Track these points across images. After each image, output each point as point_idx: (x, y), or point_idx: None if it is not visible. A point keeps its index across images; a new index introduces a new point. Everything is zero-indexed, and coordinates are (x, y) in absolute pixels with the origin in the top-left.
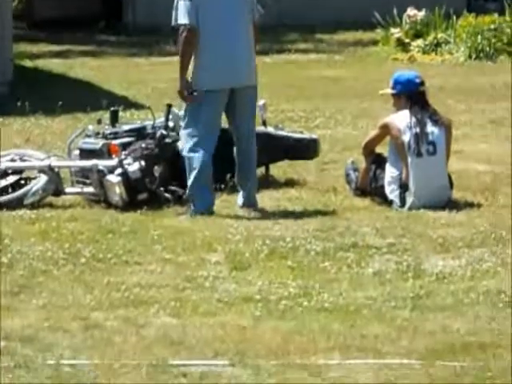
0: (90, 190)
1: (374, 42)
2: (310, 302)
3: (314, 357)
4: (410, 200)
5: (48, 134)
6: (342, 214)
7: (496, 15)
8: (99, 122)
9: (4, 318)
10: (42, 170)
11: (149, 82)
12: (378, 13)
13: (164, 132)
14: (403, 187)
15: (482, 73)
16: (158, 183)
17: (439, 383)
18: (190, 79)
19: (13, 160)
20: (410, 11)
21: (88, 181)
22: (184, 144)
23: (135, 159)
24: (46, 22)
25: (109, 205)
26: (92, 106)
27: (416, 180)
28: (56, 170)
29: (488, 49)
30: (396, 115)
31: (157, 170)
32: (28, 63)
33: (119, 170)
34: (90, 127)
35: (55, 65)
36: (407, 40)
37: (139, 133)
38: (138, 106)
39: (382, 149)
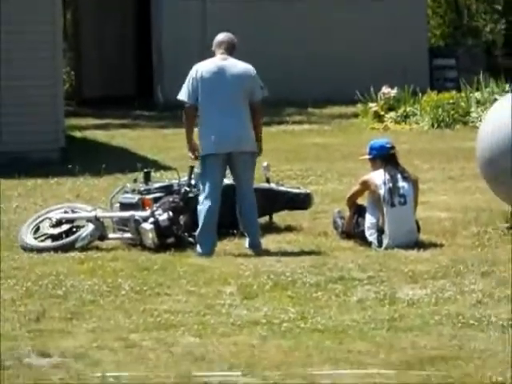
0: (129, 235)
1: (356, 115)
2: (306, 324)
3: (310, 368)
4: (385, 241)
5: (94, 191)
6: (331, 253)
7: (454, 92)
8: (135, 181)
9: (60, 340)
10: (89, 220)
11: (175, 149)
12: (359, 91)
13: (187, 188)
14: (380, 231)
15: (442, 139)
16: (183, 230)
17: None
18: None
19: (66, 212)
20: (385, 89)
21: (127, 228)
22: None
23: (164, 210)
24: (91, 101)
25: (143, 247)
26: (129, 168)
27: (390, 225)
28: (101, 219)
29: (447, 119)
30: (373, 174)
31: (182, 219)
32: (77, 134)
33: (151, 219)
34: (128, 185)
35: (99, 135)
36: (382, 113)
37: (167, 189)
38: (166, 168)
39: (362, 201)
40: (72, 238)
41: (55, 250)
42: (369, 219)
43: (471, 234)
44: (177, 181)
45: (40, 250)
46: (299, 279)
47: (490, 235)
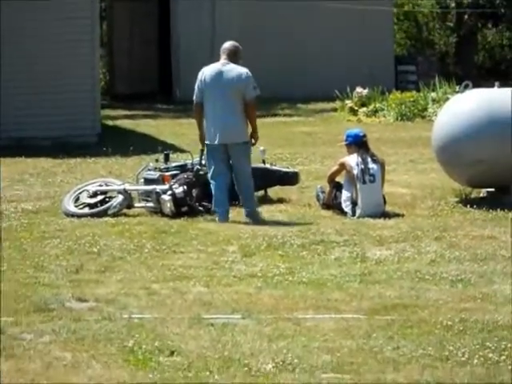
0: (151, 205)
1: (334, 109)
2: (293, 278)
3: (296, 313)
4: (358, 212)
5: (123, 168)
6: (314, 220)
7: (414, 92)
8: (156, 160)
9: (95, 288)
10: (119, 192)
11: (188, 135)
12: (337, 91)
13: (199, 167)
14: (354, 203)
15: (404, 129)
16: (195, 200)
17: (377, 329)
18: None
19: (100, 185)
20: (358, 89)
21: (149, 199)
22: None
23: (180, 185)
24: (122, 96)
25: (163, 214)
26: (152, 150)
27: (362, 199)
28: (129, 192)
29: (409, 114)
30: (349, 157)
31: (194, 192)
32: (110, 122)
33: (170, 192)
34: (151, 164)
35: (128, 124)
36: (356, 108)
37: (183, 168)
38: (181, 151)
39: (340, 178)
40: (105, 206)
41: (91, 216)
42: (345, 194)
43: (427, 207)
44: (190, 161)
45: (79, 216)
46: (288, 241)
47: (443, 207)
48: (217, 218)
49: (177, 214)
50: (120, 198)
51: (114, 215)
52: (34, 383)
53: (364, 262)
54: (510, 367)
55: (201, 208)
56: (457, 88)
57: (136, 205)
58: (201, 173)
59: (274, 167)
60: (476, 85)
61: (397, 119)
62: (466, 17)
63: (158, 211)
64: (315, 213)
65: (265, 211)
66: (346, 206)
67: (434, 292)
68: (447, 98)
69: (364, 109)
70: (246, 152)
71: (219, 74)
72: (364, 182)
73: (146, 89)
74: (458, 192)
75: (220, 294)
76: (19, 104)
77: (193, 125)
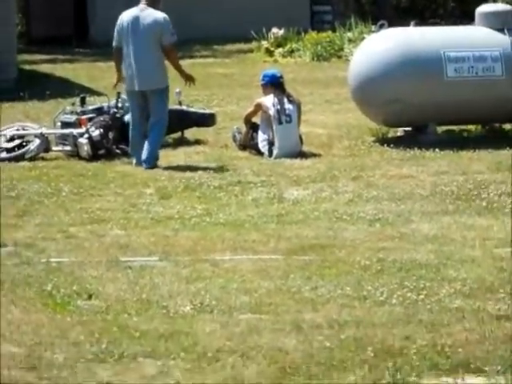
0: (68, 148)
1: (251, 51)
2: (210, 219)
3: (213, 254)
4: (275, 152)
5: (40, 112)
6: (231, 161)
7: (330, 32)
8: (73, 104)
9: (13, 232)
10: (36, 136)
11: (106, 79)
12: (253, 31)
13: (115, 110)
14: (270, 144)
15: (320, 69)
16: (111, 143)
17: (294, 270)
18: None
19: (17, 130)
20: (274, 30)
21: (66, 142)
22: None
23: (97, 128)
24: (38, 39)
25: (80, 158)
26: (69, 94)
27: (279, 139)
28: (46, 135)
29: (325, 54)
30: (265, 98)
31: (111, 135)
32: (26, 67)
33: (86, 135)
34: (68, 107)
35: (45, 68)
36: (272, 49)
37: (99, 111)
38: (98, 94)
39: (256, 119)
40: (22, 150)
41: (9, 160)
42: (261, 134)
43: (344, 147)
44: (107, 104)
45: None
46: (205, 183)
47: (359, 147)
48: (133, 162)
49: (94, 157)
50: (37, 141)
51: (32, 159)
52: None
53: (281, 202)
54: (428, 306)
55: (118, 151)
56: (372, 28)
57: (53, 148)
58: (117, 116)
59: (191, 109)
60: (392, 24)
61: (313, 59)
62: None
63: (76, 154)
64: (232, 154)
65: (181, 153)
66: (263, 147)
67: (352, 232)
68: (363, 38)
69: (280, 49)
70: (162, 98)
71: (136, 19)
72: (280, 123)
73: (63, 32)
74: (375, 131)
75: (137, 236)
76: None
77: (110, 68)
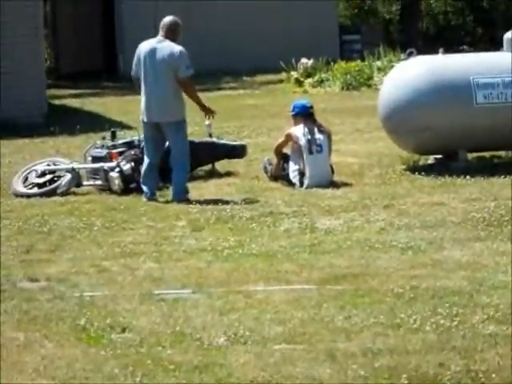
0: (99, 182)
1: (280, 81)
2: (243, 250)
3: (247, 285)
4: (306, 182)
5: (71, 147)
6: (263, 192)
7: (359, 61)
8: (103, 138)
9: (46, 267)
10: (67, 171)
11: (135, 112)
12: (282, 62)
13: None
14: (301, 174)
15: (350, 99)
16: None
17: (328, 299)
18: None
19: (48, 165)
20: (303, 60)
21: (98, 177)
22: None
23: (127, 162)
24: (68, 75)
25: (111, 192)
26: (99, 128)
27: (310, 169)
28: (77, 170)
29: (354, 83)
30: (295, 128)
31: (141, 168)
32: (56, 102)
33: (117, 169)
34: (98, 142)
35: (74, 102)
36: (302, 79)
37: (129, 145)
38: (128, 128)
39: (287, 150)
40: (54, 185)
41: (41, 195)
42: (292, 165)
43: (375, 175)
44: (137, 137)
45: (28, 196)
46: (237, 214)
47: (391, 175)
48: (143, 196)
49: (125, 191)
50: (68, 176)
51: (63, 194)
52: None
53: (313, 232)
54: (461, 333)
55: None
56: (401, 56)
57: (84, 183)
58: None
59: (221, 141)
60: (420, 52)
61: (342, 89)
62: None
63: (107, 189)
64: (263, 185)
65: (212, 185)
66: (294, 177)
67: (384, 260)
68: (392, 66)
69: (310, 79)
70: (178, 131)
71: (153, 51)
72: (311, 153)
73: (92, 67)
74: (406, 159)
75: (170, 269)
76: None
77: (139, 101)
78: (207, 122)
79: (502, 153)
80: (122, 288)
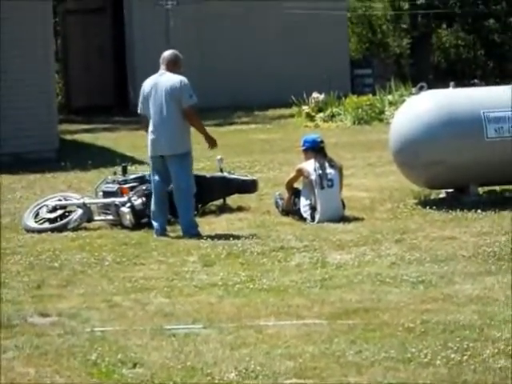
0: (111, 217)
1: (292, 116)
2: (254, 285)
3: (258, 320)
4: (317, 217)
5: (82, 182)
6: (274, 227)
7: (370, 95)
8: (115, 173)
9: (57, 303)
10: (79, 206)
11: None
12: (294, 96)
13: None
14: (313, 209)
15: (362, 133)
16: None
17: (339, 334)
18: None
19: (60, 200)
20: (314, 95)
21: (109, 212)
22: None
23: (139, 197)
24: (79, 110)
25: (123, 227)
26: (110, 163)
27: (321, 204)
28: (88, 205)
29: (366, 117)
30: (306, 163)
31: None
32: (68, 137)
33: (129, 204)
34: (109, 177)
35: (86, 137)
36: (313, 113)
37: (141, 179)
38: (140, 162)
39: (298, 185)
40: (65, 220)
41: (52, 230)
42: (303, 199)
43: (386, 209)
44: (148, 173)
45: (39, 231)
46: (248, 249)
47: (402, 210)
48: (154, 233)
49: (136, 226)
50: (79, 211)
51: (74, 229)
52: None
53: (324, 266)
54: (472, 367)
55: None
56: (412, 90)
57: (96, 218)
58: None
59: (232, 175)
60: (432, 86)
61: (354, 123)
62: (419, 18)
63: (118, 223)
64: (275, 220)
65: (224, 220)
66: (305, 212)
67: (395, 294)
68: (403, 100)
69: (321, 114)
70: (183, 164)
71: (155, 85)
72: (322, 188)
73: (103, 102)
74: (417, 194)
75: (181, 304)
76: None
77: None
78: (218, 157)
79: None
80: (133, 323)
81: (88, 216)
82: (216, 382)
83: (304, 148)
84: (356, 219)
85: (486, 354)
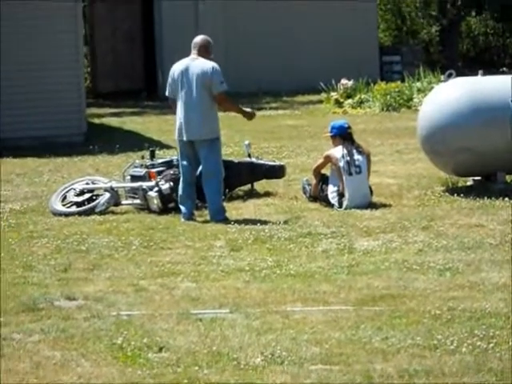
0: (138, 202)
1: (320, 102)
2: (281, 271)
3: (284, 306)
4: (345, 203)
5: (110, 166)
6: (301, 213)
7: (399, 82)
8: (142, 157)
9: (83, 286)
10: (106, 190)
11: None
12: (322, 82)
13: None
14: (340, 195)
15: (390, 120)
16: None
17: (365, 320)
18: None
19: (87, 183)
20: (343, 81)
21: (136, 196)
22: None
23: (166, 181)
24: (106, 94)
25: (150, 211)
26: (138, 147)
27: (348, 190)
28: (115, 189)
29: (394, 104)
30: (334, 149)
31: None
32: (96, 121)
33: (156, 188)
34: (137, 161)
35: (114, 122)
36: (342, 100)
37: (169, 164)
38: (167, 147)
39: (326, 171)
40: (92, 204)
41: (79, 214)
42: (331, 186)
43: (414, 196)
44: (176, 157)
45: (67, 215)
46: (275, 234)
47: (429, 197)
48: (181, 217)
49: (164, 210)
50: (107, 195)
51: (101, 213)
52: (23, 383)
53: (351, 253)
54: (498, 354)
55: None
56: (441, 77)
57: (123, 202)
58: None
59: (260, 161)
60: (460, 73)
61: (382, 110)
62: (448, 5)
63: (145, 208)
64: (302, 205)
65: (251, 205)
66: (333, 198)
67: (422, 281)
68: (432, 88)
69: (349, 100)
70: (212, 149)
71: (186, 70)
72: (350, 174)
73: (131, 86)
74: (445, 181)
75: (208, 288)
76: (4, 105)
77: None
78: (247, 142)
79: None
80: (160, 307)
81: (115, 200)
82: (242, 367)
83: (332, 134)
84: (383, 206)
85: None
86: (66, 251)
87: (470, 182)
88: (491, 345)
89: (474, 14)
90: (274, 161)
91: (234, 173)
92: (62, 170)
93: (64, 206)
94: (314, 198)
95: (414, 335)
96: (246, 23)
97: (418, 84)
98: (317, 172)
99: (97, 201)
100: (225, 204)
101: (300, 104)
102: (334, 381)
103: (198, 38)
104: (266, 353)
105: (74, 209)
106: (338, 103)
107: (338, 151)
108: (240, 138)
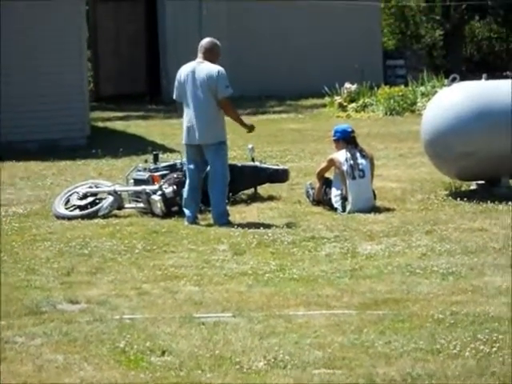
0: (141, 205)
1: (324, 106)
2: (284, 275)
3: (287, 310)
4: (348, 207)
5: (113, 169)
6: (304, 217)
7: (403, 86)
8: (146, 161)
9: (86, 290)
10: (109, 193)
11: (179, 135)
12: (326, 86)
13: None
14: (344, 199)
15: (394, 124)
16: None
17: (368, 324)
18: None
19: (90, 187)
20: (347, 85)
21: (139, 199)
22: None
23: (170, 185)
24: (108, 97)
25: (153, 215)
26: (141, 151)
27: (352, 194)
28: (119, 193)
29: (398, 108)
30: (337, 153)
31: (183, 192)
32: (100, 124)
33: (159, 192)
34: (140, 165)
35: (118, 125)
36: (345, 104)
37: (172, 168)
38: (171, 151)
39: (329, 175)
40: (95, 207)
41: (82, 217)
42: (334, 189)
43: (417, 200)
44: (179, 161)
45: (70, 218)
46: (279, 238)
47: (433, 201)
48: (185, 220)
49: (167, 214)
50: (110, 199)
51: (105, 216)
52: None
53: (355, 257)
54: (500, 359)
55: None
56: (445, 81)
57: (126, 206)
58: None
59: (264, 165)
60: (464, 78)
61: (386, 114)
62: (452, 10)
63: (149, 211)
64: (305, 209)
65: (255, 209)
66: (336, 202)
67: (425, 286)
68: (436, 92)
69: (353, 104)
70: (219, 153)
71: (192, 73)
72: (354, 178)
73: (134, 90)
74: (448, 185)
75: (211, 292)
76: (7, 108)
77: (181, 124)
78: (250, 146)
79: None
80: (163, 311)
81: (118, 203)
82: (244, 371)
83: (335, 138)
84: (387, 210)
85: None
86: (69, 255)
87: (473, 186)
88: (494, 349)
89: (477, 18)
90: (278, 165)
91: (237, 177)
92: (66, 173)
93: (67, 209)
94: (317, 202)
95: (417, 339)
96: (250, 27)
97: (422, 88)
98: (320, 176)
99: (100, 204)
100: (228, 208)
101: (304, 108)
102: None
103: (205, 41)
104: (269, 357)
105: (77, 212)
106: (342, 107)
107: (342, 155)
108: (244, 141)
